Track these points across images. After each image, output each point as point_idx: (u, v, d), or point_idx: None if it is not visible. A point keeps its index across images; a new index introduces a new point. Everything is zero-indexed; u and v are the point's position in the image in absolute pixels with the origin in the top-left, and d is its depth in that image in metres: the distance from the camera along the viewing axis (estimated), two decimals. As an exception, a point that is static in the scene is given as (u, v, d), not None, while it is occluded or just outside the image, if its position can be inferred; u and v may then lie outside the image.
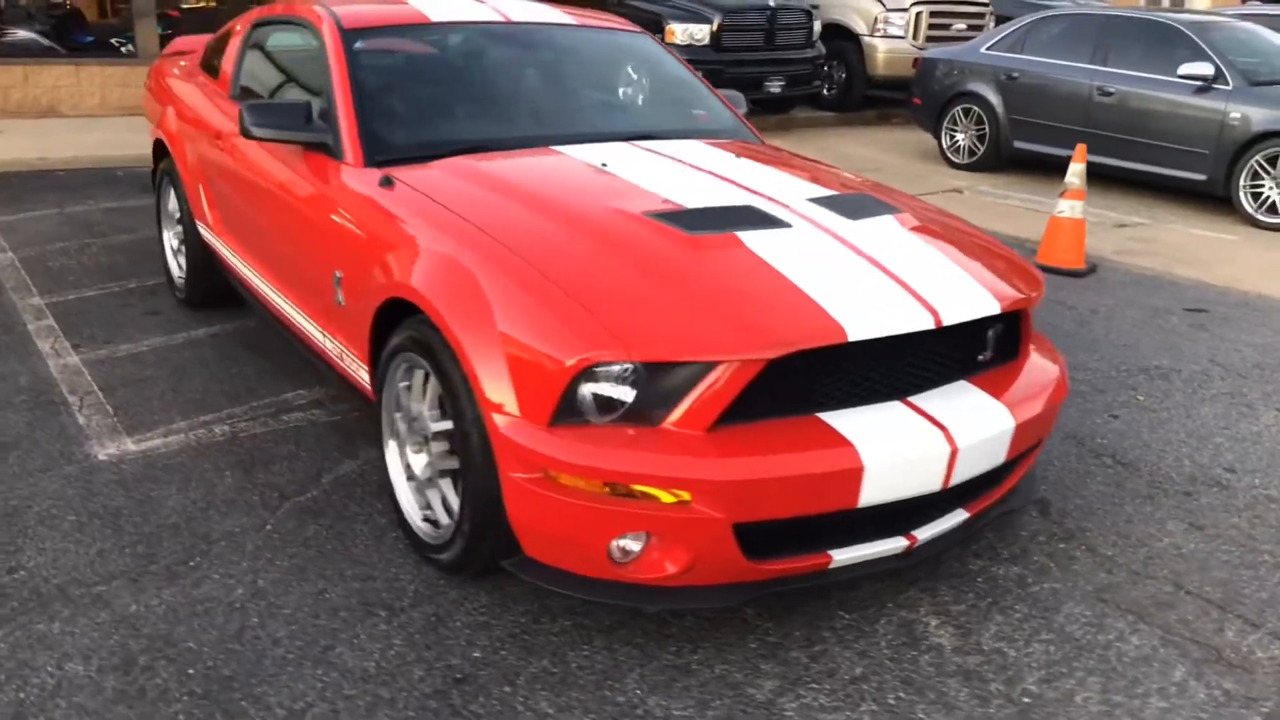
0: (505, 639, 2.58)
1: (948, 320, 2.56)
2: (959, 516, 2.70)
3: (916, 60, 9.99)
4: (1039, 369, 2.94)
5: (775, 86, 10.76)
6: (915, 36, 11.57)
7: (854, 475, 2.36)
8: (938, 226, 3.12)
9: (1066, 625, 2.73)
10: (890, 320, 2.48)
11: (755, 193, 3.06)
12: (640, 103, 3.94)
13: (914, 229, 2.99)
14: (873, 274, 2.63)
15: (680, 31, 10.23)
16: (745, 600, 2.48)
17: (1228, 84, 7.71)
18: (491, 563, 2.65)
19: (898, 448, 2.41)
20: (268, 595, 2.72)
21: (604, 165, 3.23)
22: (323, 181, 3.30)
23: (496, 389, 2.43)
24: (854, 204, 3.07)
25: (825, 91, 11.84)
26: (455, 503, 2.72)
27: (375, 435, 3.45)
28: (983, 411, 2.62)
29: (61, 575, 2.78)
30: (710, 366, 2.34)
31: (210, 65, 4.66)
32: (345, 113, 3.37)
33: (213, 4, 12.43)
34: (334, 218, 3.18)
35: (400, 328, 2.80)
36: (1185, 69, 7.79)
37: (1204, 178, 7.82)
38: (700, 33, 10.25)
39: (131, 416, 3.76)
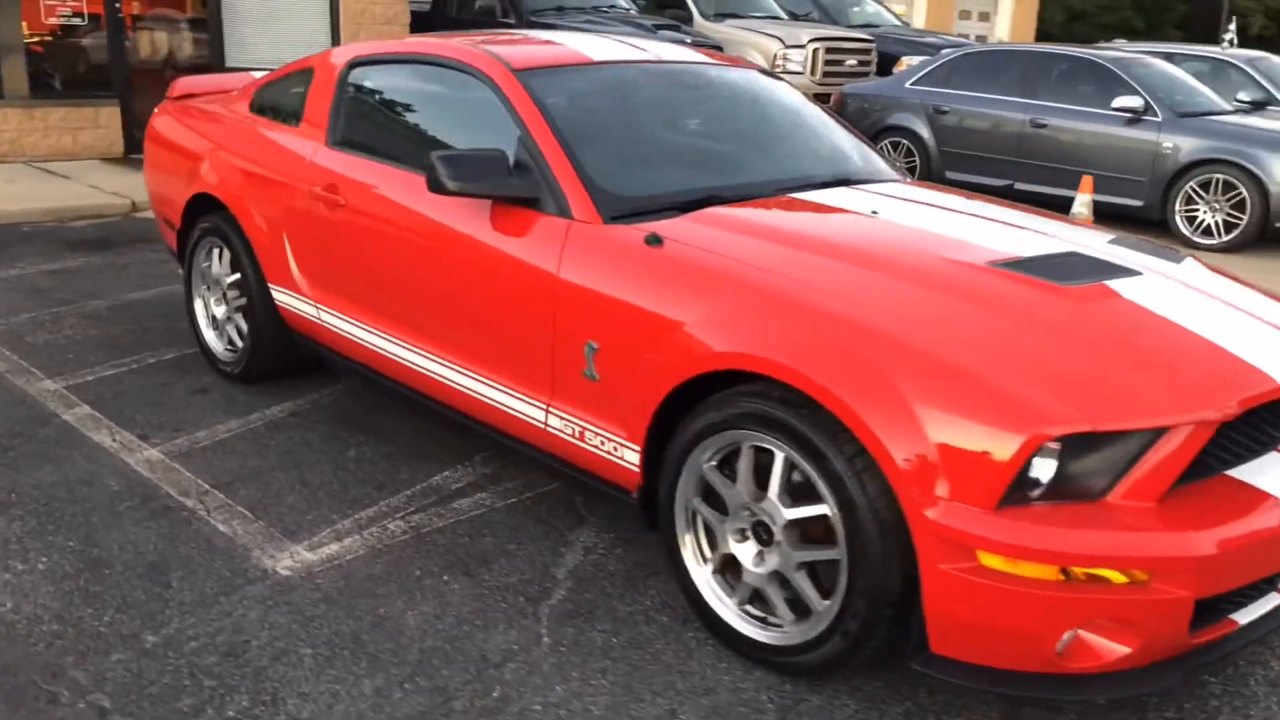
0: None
1: None
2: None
3: (837, 96, 10.18)
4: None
5: (695, 122, 10.70)
6: (814, 72, 11.83)
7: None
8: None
9: None
10: (1295, 366, 2.39)
11: (1058, 238, 2.93)
12: (817, 142, 3.73)
13: (1213, 269, 2.94)
14: (1247, 320, 2.55)
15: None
16: (1180, 676, 2.32)
17: (1157, 116, 8.21)
18: (857, 661, 2.39)
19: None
20: (615, 723, 2.36)
21: (874, 213, 3.02)
22: (546, 241, 2.93)
23: (920, 473, 2.18)
24: (1153, 248, 2.99)
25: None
26: (814, 599, 2.43)
27: (614, 518, 3.22)
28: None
29: (357, 725, 2.32)
30: (1161, 432, 2.18)
31: (275, 110, 4.13)
32: (558, 164, 3.02)
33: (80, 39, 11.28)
34: (577, 281, 2.82)
35: (721, 405, 2.49)
36: (1119, 102, 8.25)
37: (1141, 203, 8.28)
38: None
39: (279, 518, 3.23)
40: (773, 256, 2.65)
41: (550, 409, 2.98)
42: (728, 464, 2.60)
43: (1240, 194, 7.80)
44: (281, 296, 3.96)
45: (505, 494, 3.45)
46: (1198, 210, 8.02)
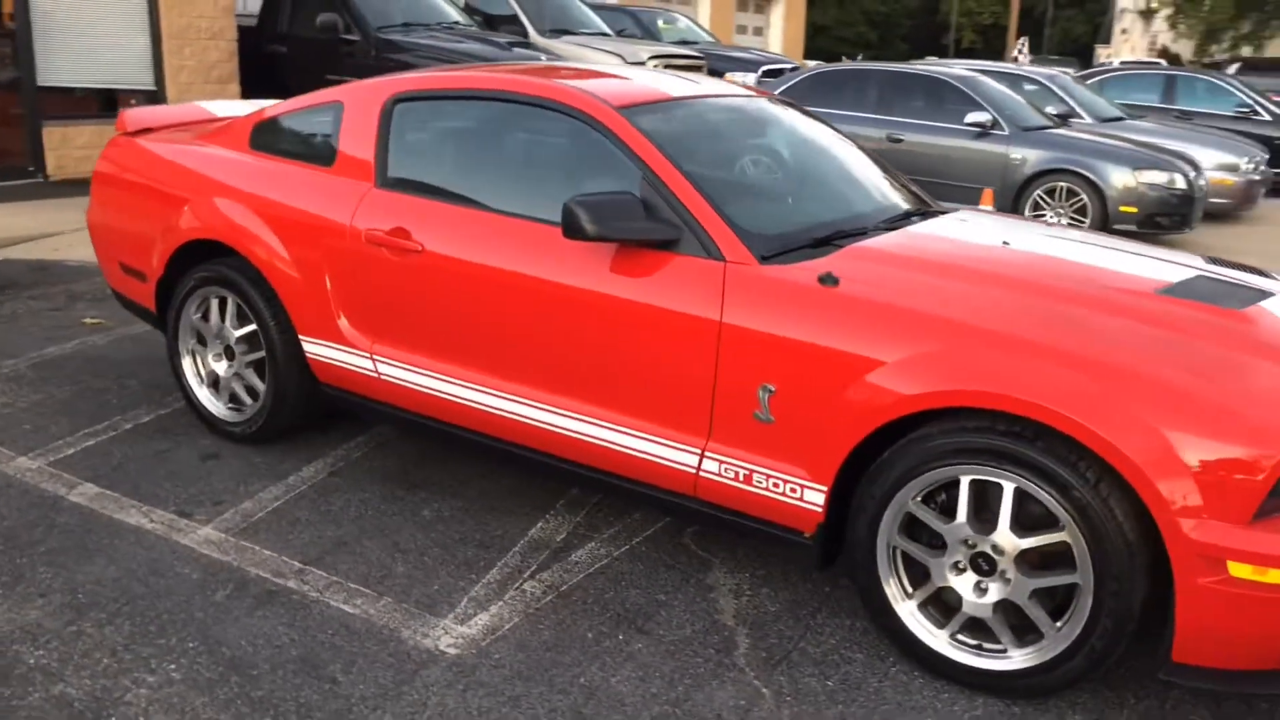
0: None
1: None
2: None
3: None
4: None
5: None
6: (655, 88, 12.00)
7: None
8: None
9: None
10: None
11: (1171, 262, 3.16)
12: (871, 172, 3.82)
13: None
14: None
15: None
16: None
17: (1004, 130, 8.91)
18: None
19: None
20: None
21: (1006, 243, 3.15)
22: (698, 284, 2.89)
23: (1178, 496, 2.32)
24: (1243, 267, 3.27)
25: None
26: (1046, 623, 2.53)
27: (738, 557, 3.21)
28: None
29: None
30: None
31: (291, 148, 3.81)
32: (695, 204, 2.98)
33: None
34: (746, 325, 2.80)
35: (930, 441, 2.55)
36: (971, 117, 8.89)
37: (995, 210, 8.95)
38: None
39: (403, 591, 3.01)
40: (958, 292, 2.73)
41: (706, 454, 2.93)
42: (930, 499, 2.65)
43: (1081, 199, 8.59)
44: (317, 349, 3.67)
45: (613, 541, 3.36)
46: (1044, 215, 8.75)
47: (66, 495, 3.52)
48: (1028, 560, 2.55)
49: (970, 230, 3.33)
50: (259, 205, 3.72)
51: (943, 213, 3.61)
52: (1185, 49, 46.60)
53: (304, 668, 2.64)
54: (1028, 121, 9.10)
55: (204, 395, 4.05)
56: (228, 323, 3.89)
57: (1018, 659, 2.59)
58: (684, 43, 14.40)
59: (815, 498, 2.78)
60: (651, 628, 2.89)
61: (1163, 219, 8.49)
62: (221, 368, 3.98)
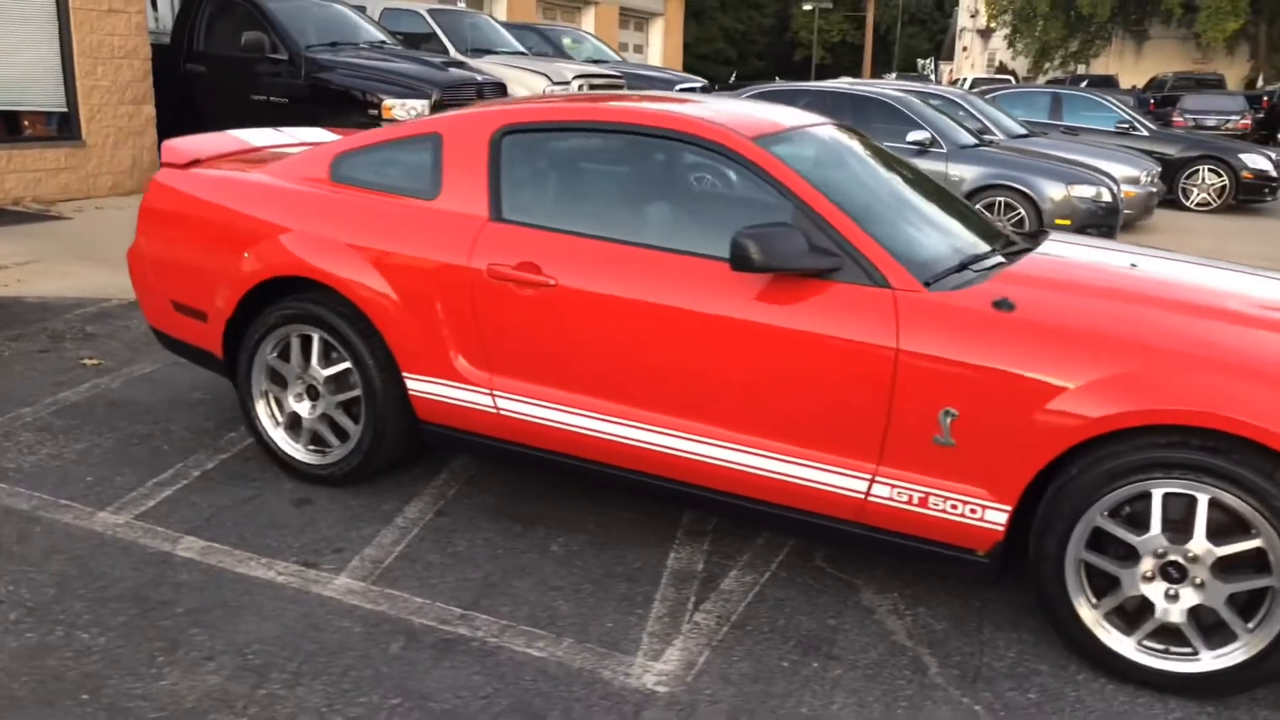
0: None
1: None
2: None
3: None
4: None
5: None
6: (580, 107, 12.02)
7: None
8: None
9: None
10: None
11: (1269, 277, 3.40)
12: (959, 201, 3.97)
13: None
14: None
15: (399, 108, 9.62)
16: None
17: (943, 148, 9.30)
18: None
19: None
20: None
21: (1134, 265, 3.33)
22: (868, 312, 2.96)
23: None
24: None
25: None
26: (1239, 625, 2.70)
27: (878, 575, 3.28)
28: None
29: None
30: None
31: (381, 181, 3.71)
32: (852, 233, 3.06)
33: None
34: (926, 351, 2.88)
35: (1118, 458, 2.69)
36: (912, 136, 9.25)
37: (937, 226, 9.32)
38: (421, 108, 9.73)
39: (580, 631, 2.98)
40: (1127, 314, 2.88)
41: (877, 479, 3.00)
42: (1115, 513, 2.79)
43: (1019, 213, 9.04)
44: (424, 386, 3.58)
45: (752, 568, 3.39)
46: (985, 229, 9.18)
47: (174, 551, 3.33)
48: (1221, 567, 2.70)
49: (1092, 255, 3.50)
50: (357, 239, 3.61)
51: (1036, 238, 3.78)
52: (1021, 66, 49.42)
53: (524, 717, 2.58)
54: (962, 140, 9.52)
55: (280, 438, 3.89)
56: (314, 361, 3.74)
57: (1207, 661, 2.74)
58: (595, 61, 14.46)
59: (997, 517, 2.88)
60: (839, 653, 2.93)
61: (1092, 230, 9.02)
62: (304, 409, 3.83)
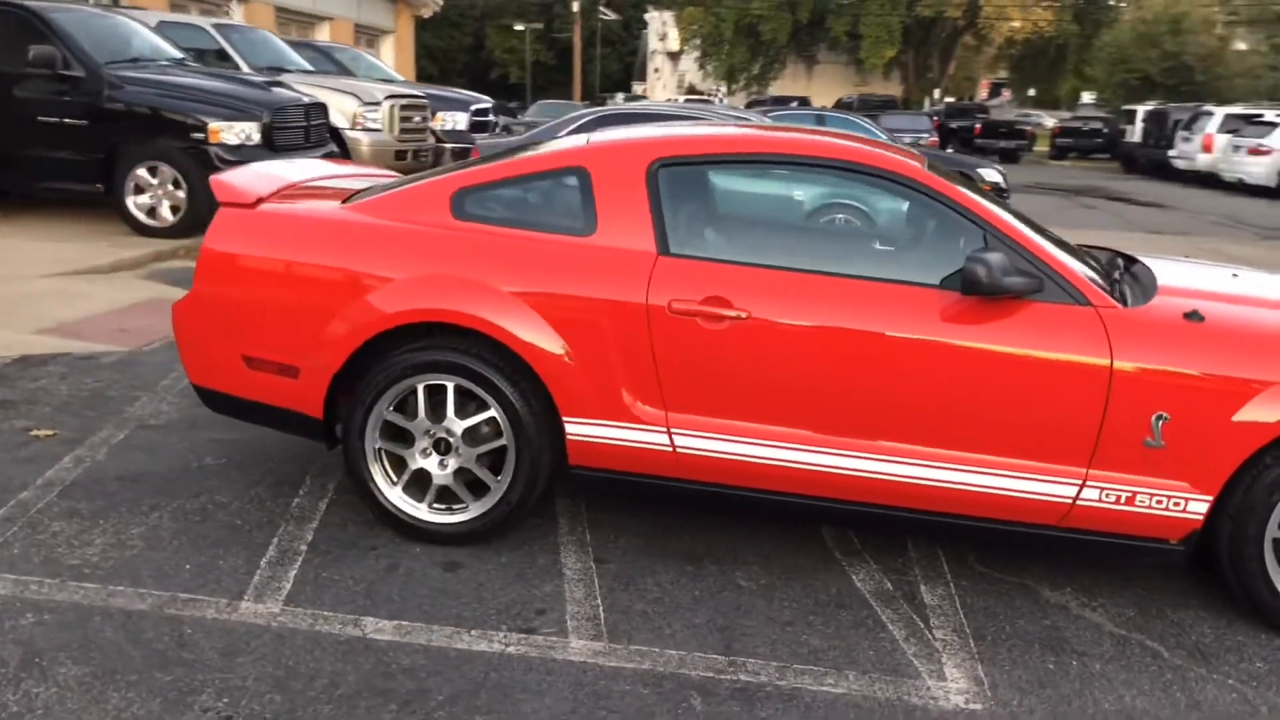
0: None
1: None
2: None
3: (475, 154, 10.23)
4: None
5: (322, 186, 9.93)
6: (392, 129, 11.62)
7: None
8: None
9: None
10: None
11: None
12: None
13: None
14: None
15: (227, 131, 8.87)
16: None
17: (785, 167, 9.82)
18: None
19: None
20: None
21: (1235, 275, 3.75)
22: (1076, 330, 3.17)
23: None
24: None
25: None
26: None
27: (1058, 575, 3.51)
28: None
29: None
30: None
31: (516, 218, 3.50)
32: (1046, 255, 3.28)
33: None
34: (1137, 363, 3.14)
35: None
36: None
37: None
38: (252, 132, 9.02)
39: (849, 662, 2.99)
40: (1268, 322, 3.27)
41: (1087, 483, 3.22)
42: (1295, 491, 3.17)
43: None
44: (587, 429, 3.42)
45: (933, 581, 3.52)
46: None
47: (366, 635, 2.99)
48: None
49: (1195, 269, 3.90)
50: (506, 281, 3.38)
51: (1124, 255, 4.13)
52: (708, 88, 52.48)
53: (886, 753, 2.58)
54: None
55: (399, 499, 3.56)
56: (449, 413, 3.47)
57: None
58: (386, 80, 13.93)
59: (1198, 507, 3.19)
60: (1080, 648, 3.13)
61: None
62: (432, 464, 3.53)
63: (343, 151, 11.20)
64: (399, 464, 3.57)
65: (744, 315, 3.28)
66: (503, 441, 3.47)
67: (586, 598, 3.26)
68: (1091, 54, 45.59)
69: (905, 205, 3.48)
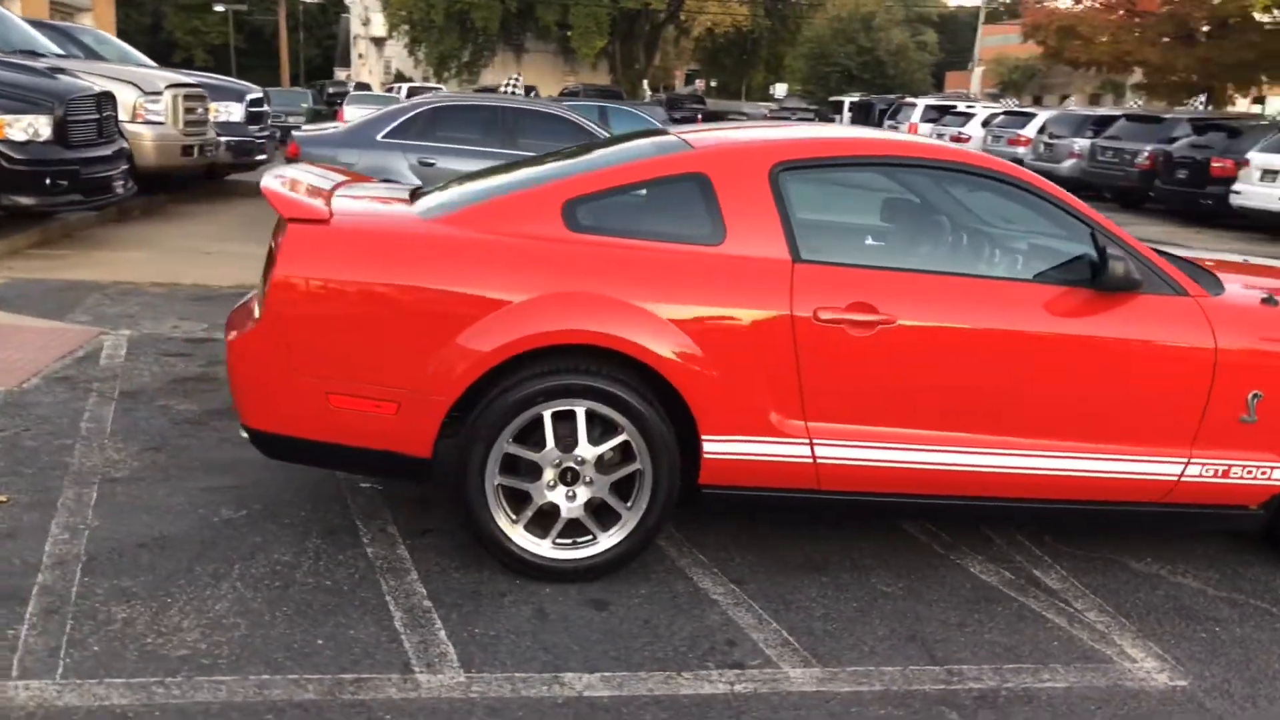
0: None
1: None
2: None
3: (295, 148, 9.43)
4: None
5: (121, 187, 8.84)
6: (176, 122, 10.52)
7: None
8: None
9: None
10: None
11: None
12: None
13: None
14: None
15: (14, 125, 7.70)
16: None
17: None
18: None
19: None
20: None
21: (1246, 259, 4.13)
22: (1181, 318, 3.40)
23: None
24: None
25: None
26: None
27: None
28: None
29: None
30: None
31: (639, 228, 3.27)
32: (1144, 250, 3.49)
33: None
34: (1237, 346, 3.42)
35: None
36: (602, 150, 9.60)
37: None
38: (41, 127, 7.87)
39: (1091, 655, 3.07)
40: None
41: (1191, 461, 3.48)
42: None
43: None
44: (727, 446, 3.27)
45: (1044, 567, 3.67)
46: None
47: (580, 693, 2.72)
48: None
49: (1217, 256, 4.26)
50: (641, 296, 3.17)
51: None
52: (418, 74, 51.28)
53: (1153, 740, 2.67)
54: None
55: (521, 537, 3.27)
56: (582, 439, 3.21)
57: None
58: (144, 66, 12.52)
59: (1280, 475, 3.53)
60: (1228, 617, 3.37)
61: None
62: (559, 497, 3.26)
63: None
64: (517, 499, 3.26)
65: (889, 320, 3.26)
66: (636, 466, 3.25)
67: (760, 623, 3.14)
68: (785, 48, 48.74)
69: (1014, 206, 3.57)
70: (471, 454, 3.17)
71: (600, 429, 3.23)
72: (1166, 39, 25.83)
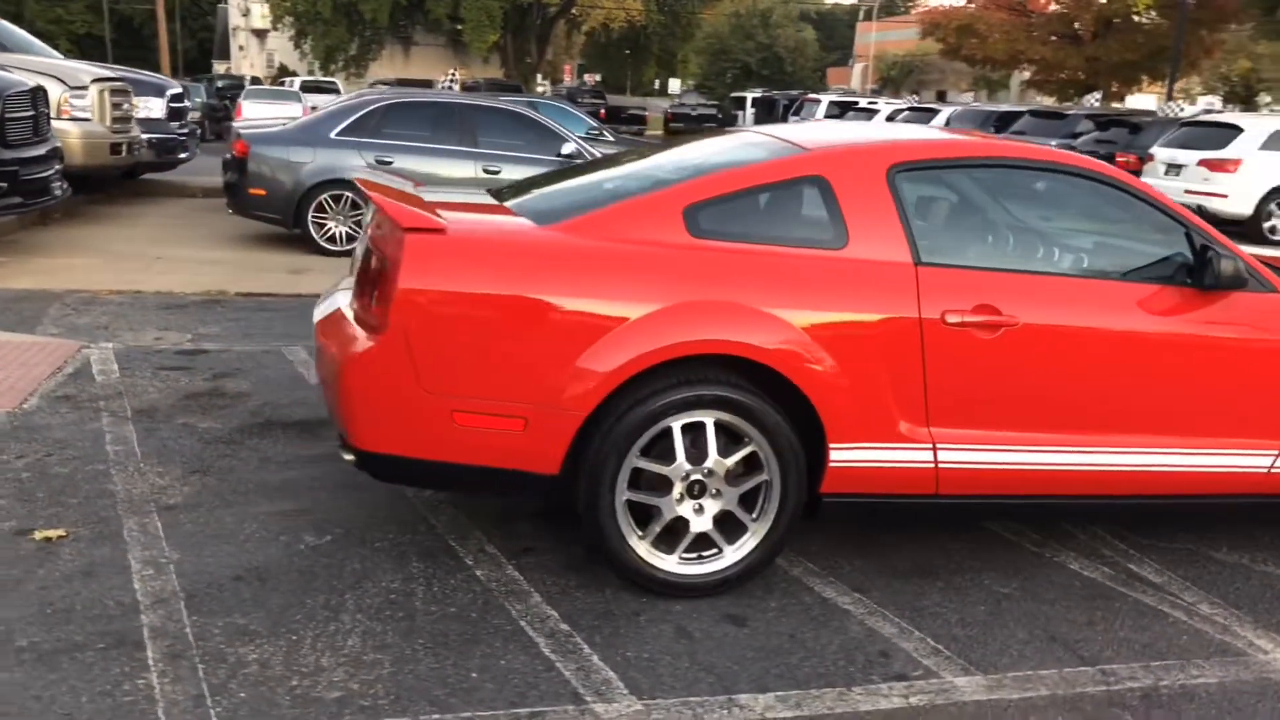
0: None
1: None
2: None
3: (242, 146, 9.00)
4: None
5: (59, 189, 8.30)
6: (104, 119, 9.95)
7: None
8: None
9: None
10: None
11: None
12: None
13: None
14: None
15: (-51, 123, 7.17)
16: None
17: (588, 159, 9.67)
18: None
19: None
20: None
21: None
22: (1270, 316, 3.50)
23: None
24: None
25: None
26: None
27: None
28: None
29: None
30: None
31: (759, 233, 3.19)
32: (1235, 248, 3.57)
33: None
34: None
35: None
36: (565, 149, 9.45)
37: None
38: (-21, 123, 7.35)
39: (1182, 650, 3.11)
40: None
41: (1281, 453, 3.59)
42: None
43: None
44: (853, 454, 3.22)
45: (1137, 560, 3.73)
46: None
47: (763, 714, 2.64)
48: None
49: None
50: (772, 303, 3.09)
51: None
52: (302, 68, 49.80)
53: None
54: (594, 150, 9.97)
55: (648, 553, 3.16)
56: (712, 451, 3.12)
57: None
58: (52, 57, 11.79)
59: None
60: (1312, 602, 3.48)
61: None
62: (687, 510, 3.16)
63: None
64: (642, 514, 3.15)
65: (1012, 322, 3.26)
66: (763, 477, 3.18)
67: (902, 632, 3.10)
68: (678, 44, 48.94)
69: (1113, 208, 3.61)
70: (602, 469, 3.04)
71: (724, 440, 3.14)
72: (1055, 38, 26.84)
